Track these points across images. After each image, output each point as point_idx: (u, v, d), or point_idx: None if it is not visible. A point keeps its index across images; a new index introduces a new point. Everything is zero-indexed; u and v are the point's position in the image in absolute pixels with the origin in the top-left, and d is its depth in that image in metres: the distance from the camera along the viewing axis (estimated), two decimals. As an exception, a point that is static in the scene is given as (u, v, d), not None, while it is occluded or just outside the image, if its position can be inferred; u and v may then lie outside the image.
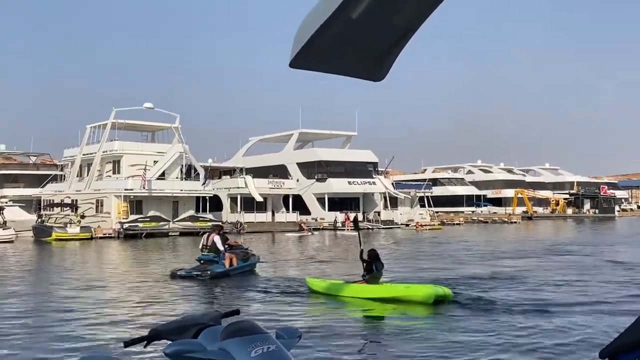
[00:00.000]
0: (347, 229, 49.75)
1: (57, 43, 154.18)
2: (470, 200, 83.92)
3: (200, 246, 19.19)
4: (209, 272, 17.55)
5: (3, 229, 40.17)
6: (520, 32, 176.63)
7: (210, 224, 47.30)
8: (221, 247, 18.33)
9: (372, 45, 1.50)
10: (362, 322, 12.21)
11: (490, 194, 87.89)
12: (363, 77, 1.58)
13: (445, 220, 66.19)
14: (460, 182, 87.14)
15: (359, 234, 15.14)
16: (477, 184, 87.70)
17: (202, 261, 18.45)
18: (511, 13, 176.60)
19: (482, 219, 73.49)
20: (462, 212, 78.02)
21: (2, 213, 44.86)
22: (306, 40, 1.43)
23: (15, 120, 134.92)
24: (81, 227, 42.49)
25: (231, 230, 49.49)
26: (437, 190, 74.73)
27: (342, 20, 1.39)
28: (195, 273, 17.66)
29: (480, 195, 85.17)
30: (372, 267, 13.73)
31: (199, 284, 16.83)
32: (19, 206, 50.47)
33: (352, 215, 53.49)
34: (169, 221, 46.41)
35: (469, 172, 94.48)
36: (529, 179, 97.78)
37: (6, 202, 50.83)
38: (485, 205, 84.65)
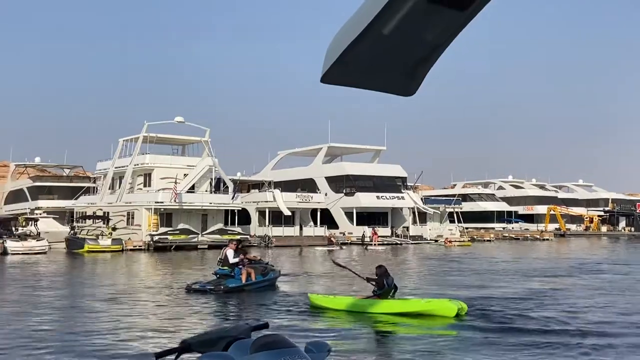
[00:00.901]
0: (375, 244, 49.65)
1: (90, 58, 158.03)
2: (501, 217, 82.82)
3: (218, 260, 19.33)
4: (222, 287, 17.55)
5: (37, 240, 40.95)
6: (549, 44, 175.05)
7: (238, 237, 47.74)
8: (232, 261, 18.26)
9: (403, 61, 1.49)
10: (390, 338, 12.06)
11: (521, 210, 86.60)
12: (394, 93, 1.56)
13: (475, 237, 65.41)
14: (491, 197, 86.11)
15: (351, 271, 15.71)
16: (508, 200, 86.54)
17: (218, 275, 18.52)
18: (542, 23, 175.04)
19: (513, 235, 72.43)
20: (493, 228, 77.00)
21: (37, 225, 45.82)
22: (338, 56, 1.43)
23: (50, 133, 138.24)
24: (112, 239, 43.13)
25: (259, 244, 49.74)
26: (467, 206, 73.98)
27: (373, 36, 1.38)
28: (208, 287, 17.68)
29: (511, 212, 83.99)
30: (384, 283, 13.85)
31: (211, 298, 16.83)
32: (53, 218, 51.46)
33: (378, 230, 53.78)
34: (198, 234, 46.80)
35: (500, 187, 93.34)
36: (561, 195, 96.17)
37: (40, 214, 51.92)
38: (517, 222, 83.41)
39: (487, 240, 65.47)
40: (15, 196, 62.46)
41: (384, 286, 13.84)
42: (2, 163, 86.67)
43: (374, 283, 14.02)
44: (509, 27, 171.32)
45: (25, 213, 53.17)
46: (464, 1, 1.36)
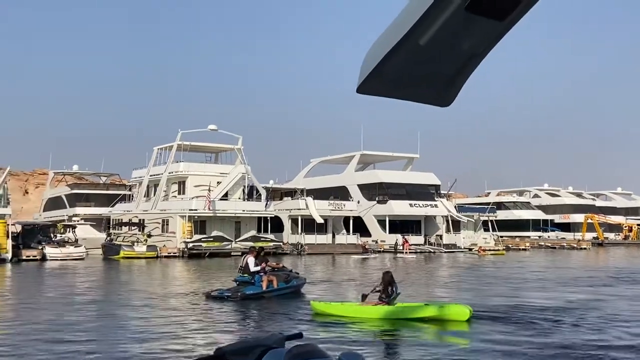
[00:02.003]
0: (406, 252, 49.37)
1: (126, 67, 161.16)
2: (537, 225, 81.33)
3: (239, 268, 19.44)
4: (239, 294, 17.70)
5: (75, 247, 41.80)
6: (585, 51, 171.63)
7: (271, 244, 47.96)
8: (253, 269, 18.37)
9: (439, 71, 1.47)
10: (426, 346, 11.93)
11: (557, 218, 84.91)
12: (430, 103, 1.55)
13: (510, 245, 64.36)
14: (526, 205, 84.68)
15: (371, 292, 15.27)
16: (543, 208, 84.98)
17: (238, 282, 18.71)
18: (578, 30, 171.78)
19: (550, 244, 71.03)
20: (528, 237, 75.66)
21: (74, 231, 46.79)
22: (374, 66, 1.42)
23: (88, 142, 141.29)
24: (147, 246, 43.75)
25: (291, 252, 49.83)
26: (502, 214, 72.87)
27: (410, 47, 1.37)
28: (226, 294, 17.88)
29: (547, 220, 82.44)
30: (391, 290, 14.22)
31: (228, 305, 16.95)
32: (90, 225, 52.46)
33: (410, 239, 53.39)
34: (232, 241, 47.11)
35: (535, 195, 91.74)
36: (599, 203, 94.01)
37: (78, 221, 53.00)
38: (553, 230, 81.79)
39: (523, 249, 64.35)
40: (54, 203, 63.88)
41: (391, 293, 14.16)
42: (42, 171, 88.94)
43: (380, 290, 14.32)
44: (543, 34, 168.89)
45: (64, 220, 54.34)
46: (502, 11, 1.34)
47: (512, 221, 77.89)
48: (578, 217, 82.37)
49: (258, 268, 18.41)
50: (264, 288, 18.13)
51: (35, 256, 39.22)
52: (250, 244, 46.84)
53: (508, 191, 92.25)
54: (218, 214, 48.01)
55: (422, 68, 1.45)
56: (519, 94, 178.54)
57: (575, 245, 69.21)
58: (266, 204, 50.74)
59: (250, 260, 18.59)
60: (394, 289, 14.29)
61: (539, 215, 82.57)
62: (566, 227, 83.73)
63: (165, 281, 26.90)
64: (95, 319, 14.64)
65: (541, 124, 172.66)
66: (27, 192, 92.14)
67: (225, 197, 49.93)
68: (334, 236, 55.82)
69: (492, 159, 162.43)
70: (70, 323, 13.83)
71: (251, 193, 52.38)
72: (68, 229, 47.97)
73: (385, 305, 14.12)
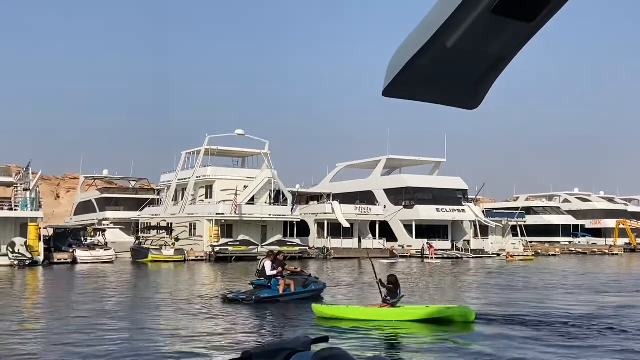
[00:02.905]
0: (431, 257, 49.04)
1: (156, 71, 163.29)
2: (567, 231, 79.99)
3: (255, 271, 19.51)
4: (253, 297, 17.81)
5: (104, 250, 42.44)
6: (616, 56, 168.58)
7: (297, 248, 48.06)
8: (269, 273, 18.47)
9: (466, 74, 1.46)
10: (451, 350, 11.81)
11: (588, 224, 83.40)
12: (457, 106, 1.53)
13: (539, 251, 63.39)
14: (556, 210, 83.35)
15: (373, 269, 16.41)
16: (574, 214, 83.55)
17: (254, 285, 18.84)
18: (610, 34, 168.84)
19: (580, 250, 69.78)
20: (558, 242, 74.44)
21: (104, 235, 47.49)
22: (400, 69, 1.41)
23: (117, 147, 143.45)
24: (175, 249, 44.18)
25: (317, 256, 49.84)
26: (531, 219, 71.86)
27: (436, 49, 1.36)
28: (241, 297, 18.03)
29: (577, 225, 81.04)
30: (397, 292, 14.50)
31: (241, 308, 17.05)
32: (119, 228, 53.20)
33: (436, 244, 53.01)
34: (258, 245, 47.31)
35: (565, 200, 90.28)
36: (631, 208, 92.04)
37: (108, 225, 53.80)
38: (584, 236, 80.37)
39: (552, 255, 63.36)
40: (85, 207, 64.97)
41: (397, 294, 14.42)
42: (73, 175, 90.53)
43: (382, 290, 14.57)
44: (572, 37, 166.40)
45: (94, 223, 55.24)
46: (530, 13, 1.32)
47: (542, 226, 76.77)
48: (610, 223, 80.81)
49: (274, 272, 18.49)
50: (281, 292, 18.21)
51: (66, 259, 39.91)
52: (277, 248, 47.18)
53: (537, 196, 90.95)
54: (244, 218, 48.27)
55: (448, 70, 1.44)
56: (549, 96, 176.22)
57: (607, 251, 67.89)
58: (292, 208, 50.86)
59: (267, 264, 18.74)
60: (398, 291, 14.53)
61: (570, 220, 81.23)
62: (597, 232, 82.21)
63: (191, 284, 27.12)
64: (121, 321, 14.85)
65: (571, 127, 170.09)
66: (58, 197, 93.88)
67: (251, 201, 50.20)
68: (360, 241, 55.66)
69: (520, 163, 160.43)
70: (96, 324, 14.04)
71: (277, 197, 52.57)
72: (98, 233, 48.72)
73: (389, 307, 14.30)
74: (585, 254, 67.09)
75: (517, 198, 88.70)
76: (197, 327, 13.94)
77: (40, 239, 39.14)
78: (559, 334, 13.00)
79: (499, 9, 1.30)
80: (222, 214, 47.44)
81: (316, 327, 13.86)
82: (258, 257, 45.48)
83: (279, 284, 18.31)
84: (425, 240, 53.67)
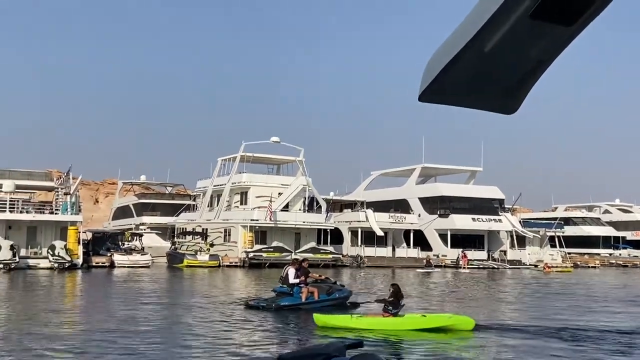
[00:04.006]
0: (464, 267, 48.38)
1: (194, 78, 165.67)
2: (607, 242, 78.00)
3: (279, 278, 19.54)
4: (273, 304, 17.80)
5: (141, 255, 43.13)
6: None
7: (330, 256, 48.03)
8: (292, 281, 18.42)
9: (504, 79, 1.43)
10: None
11: (630, 235, 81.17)
12: (494, 111, 1.51)
13: (578, 262, 61.97)
14: (596, 221, 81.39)
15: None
16: (614, 225, 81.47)
17: (276, 293, 18.85)
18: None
19: (621, 262, 67.93)
20: (598, 254, 72.64)
21: (141, 239, 48.28)
22: (436, 74, 1.40)
23: (155, 153, 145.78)
24: (210, 255, 44.62)
25: (351, 264, 49.69)
26: (570, 230, 70.29)
27: (474, 54, 1.34)
28: (261, 304, 18.09)
29: (618, 237, 78.97)
30: (399, 302, 14.62)
31: (259, 314, 17.10)
32: (156, 233, 54.00)
33: (470, 254, 52.30)
34: (292, 252, 47.42)
35: (606, 211, 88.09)
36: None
37: (144, 229, 54.68)
38: (625, 248, 78.25)
39: (592, 267, 61.88)
40: (122, 212, 66.17)
41: (398, 304, 14.55)
42: (111, 181, 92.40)
43: (386, 300, 14.71)
44: (607, 40, 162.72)
45: (131, 228, 56.19)
46: (569, 17, 1.29)
47: (581, 238, 75.02)
48: (652, 234, 78.59)
49: (297, 281, 18.44)
50: (303, 299, 18.08)
51: (104, 263, 40.68)
52: (310, 255, 47.20)
53: (576, 206, 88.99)
54: (279, 225, 48.47)
55: (486, 75, 1.41)
56: (588, 103, 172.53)
57: (649, 264, 65.95)
58: (326, 216, 50.88)
59: (291, 271, 18.71)
60: (400, 301, 14.68)
61: (610, 232, 79.22)
62: (639, 244, 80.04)
63: (221, 289, 27.32)
64: (156, 323, 15.06)
65: (610, 135, 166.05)
66: (97, 201, 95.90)
67: (286, 208, 50.39)
68: (394, 249, 55.28)
69: (559, 173, 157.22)
70: (132, 327, 14.26)
71: (311, 205, 52.65)
72: (135, 237, 49.56)
73: (391, 316, 14.35)
74: (627, 266, 65.34)
75: (556, 208, 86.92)
76: (204, 332, 14.10)
77: (79, 243, 39.99)
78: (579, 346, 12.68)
79: (537, 13, 1.28)
80: (257, 220, 47.73)
81: (316, 337, 13.81)
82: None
83: (302, 291, 18.25)
84: (460, 250, 53.04)
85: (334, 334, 13.78)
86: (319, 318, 14.98)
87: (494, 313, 19.30)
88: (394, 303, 14.48)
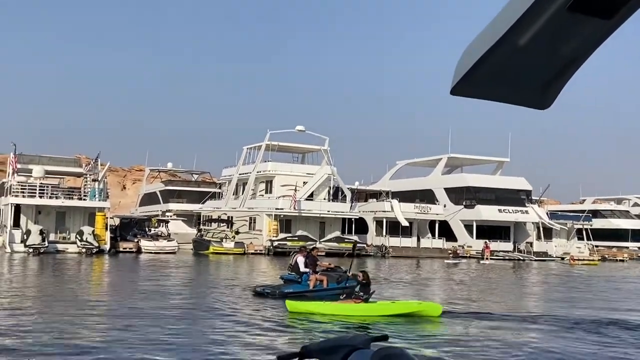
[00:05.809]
0: (487, 258, 48.02)
1: (219, 67, 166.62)
2: (637, 236, 76.69)
3: (288, 265, 19.61)
4: (277, 292, 17.83)
5: (168, 241, 43.73)
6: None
7: (350, 245, 47.92)
8: (302, 269, 18.42)
9: (538, 73, 1.41)
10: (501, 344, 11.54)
11: (660, 229, 79.70)
12: (527, 105, 1.49)
13: (606, 256, 61.07)
14: (625, 214, 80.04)
15: (352, 260, 17.51)
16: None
17: (284, 280, 18.95)
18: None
19: (651, 256, 66.73)
20: (627, 247, 71.50)
21: (167, 226, 48.91)
22: (469, 67, 1.38)
23: (182, 140, 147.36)
24: (235, 242, 45.04)
25: (375, 254, 49.67)
26: (598, 223, 69.25)
27: (508, 48, 1.32)
28: (267, 291, 18.16)
29: (648, 230, 77.55)
30: (369, 287, 15.18)
31: (262, 301, 17.24)
32: (182, 220, 54.64)
33: (496, 245, 51.85)
34: (316, 241, 47.54)
35: (635, 204, 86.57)
36: None
37: (171, 216, 55.36)
38: (655, 242, 76.86)
39: (620, 260, 60.95)
40: (149, 198, 67.04)
41: (369, 291, 15.15)
42: (139, 167, 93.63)
43: (357, 284, 15.43)
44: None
45: (158, 215, 56.93)
46: (609, 10, 1.26)
47: (609, 230, 73.87)
48: (684, 228, 77.02)
49: (307, 270, 18.44)
50: (311, 287, 18.01)
51: (131, 248, 41.33)
52: (335, 244, 47.32)
53: (605, 199, 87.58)
54: (303, 214, 48.64)
55: (520, 69, 1.39)
56: (618, 94, 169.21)
57: (679, 259, 64.69)
58: (351, 205, 50.88)
59: (300, 259, 18.73)
60: (370, 287, 15.24)
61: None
62: (669, 238, 78.54)
63: (245, 275, 27.57)
64: (180, 311, 15.25)
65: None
66: (124, 188, 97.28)
67: (310, 197, 50.52)
68: (419, 240, 55.12)
69: (588, 164, 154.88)
70: (157, 311, 14.48)
71: (336, 194, 52.68)
72: (161, 224, 50.21)
73: (361, 302, 14.74)
74: (656, 260, 64.17)
75: (584, 201, 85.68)
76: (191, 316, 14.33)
77: (107, 228, 40.68)
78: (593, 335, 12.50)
79: (575, 5, 1.25)
80: (282, 209, 47.96)
81: (290, 324, 13.76)
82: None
83: (310, 279, 18.24)
84: (484, 241, 52.66)
85: (307, 319, 13.97)
86: (291, 304, 15.12)
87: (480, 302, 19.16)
88: (364, 288, 15.03)
